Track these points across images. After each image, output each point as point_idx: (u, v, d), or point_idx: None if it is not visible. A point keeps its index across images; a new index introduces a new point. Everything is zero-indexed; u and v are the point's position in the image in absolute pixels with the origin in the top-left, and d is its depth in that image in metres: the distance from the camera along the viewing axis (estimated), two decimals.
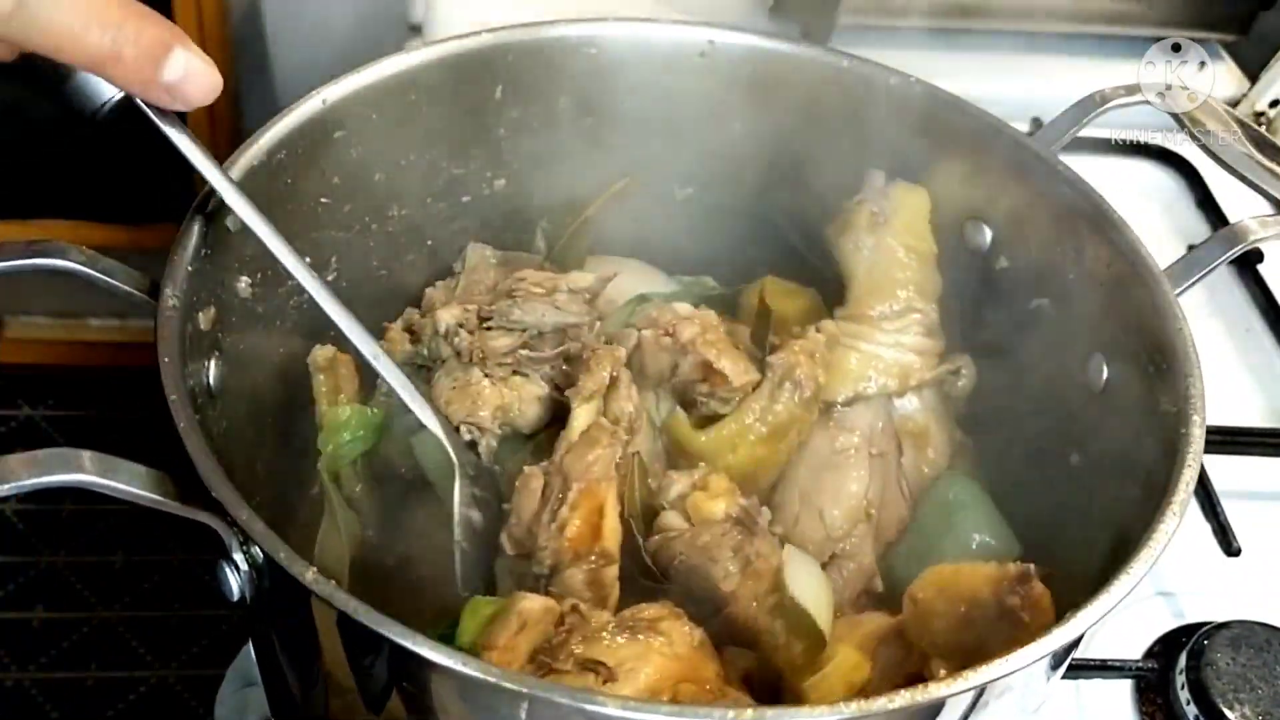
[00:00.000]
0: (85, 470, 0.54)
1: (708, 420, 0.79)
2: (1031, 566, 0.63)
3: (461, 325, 0.79)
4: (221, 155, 0.74)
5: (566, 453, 0.72)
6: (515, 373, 0.79)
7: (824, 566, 0.77)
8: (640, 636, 0.63)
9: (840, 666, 0.67)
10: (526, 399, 0.78)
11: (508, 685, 0.50)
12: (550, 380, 0.80)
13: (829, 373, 0.79)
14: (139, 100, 0.60)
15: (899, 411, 0.81)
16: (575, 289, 0.82)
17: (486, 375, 0.78)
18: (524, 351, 0.79)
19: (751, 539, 0.72)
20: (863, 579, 0.78)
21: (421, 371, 0.82)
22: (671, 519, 0.74)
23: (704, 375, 0.77)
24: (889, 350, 0.80)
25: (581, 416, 0.74)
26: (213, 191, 0.70)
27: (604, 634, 0.62)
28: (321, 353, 0.81)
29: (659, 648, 0.63)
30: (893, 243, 0.81)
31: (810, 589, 0.73)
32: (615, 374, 0.76)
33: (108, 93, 0.59)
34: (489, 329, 0.79)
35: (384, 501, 0.81)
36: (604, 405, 0.76)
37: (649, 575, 0.72)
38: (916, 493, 0.81)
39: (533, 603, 0.64)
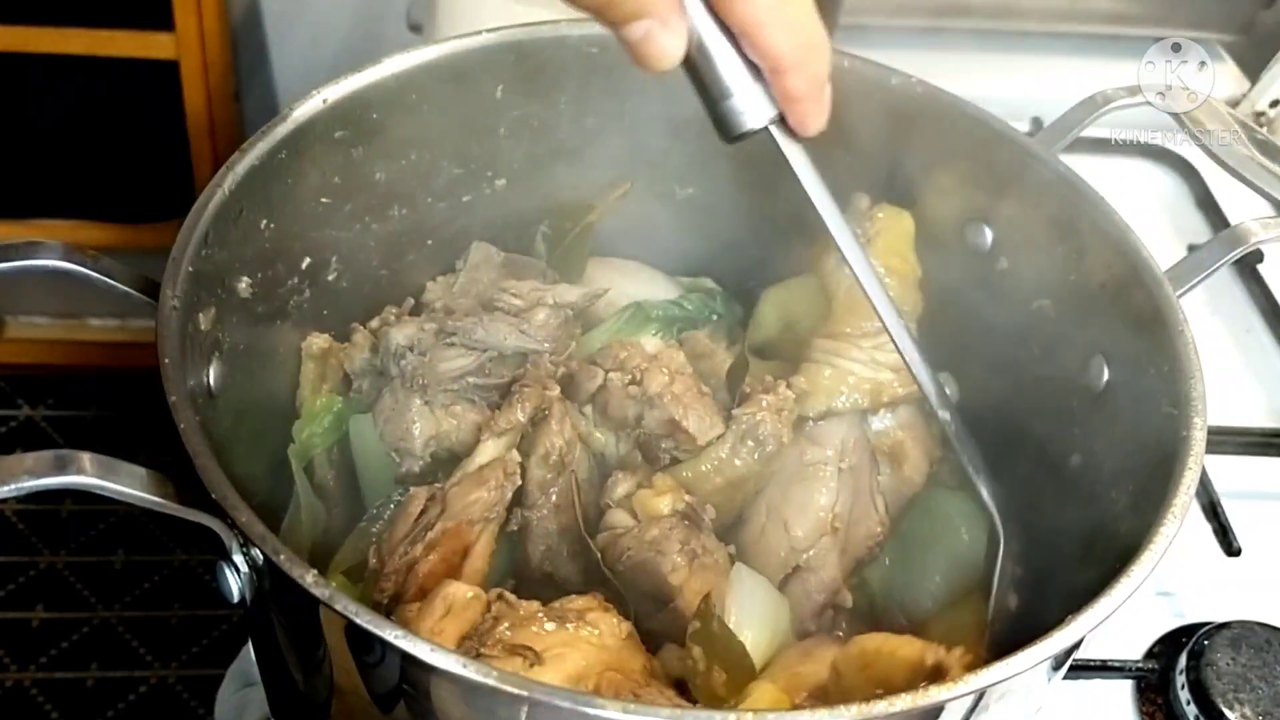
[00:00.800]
0: (85, 472, 0.54)
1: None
2: (952, 657, 0.63)
3: (411, 348, 0.79)
4: (222, 155, 0.74)
5: (455, 484, 0.72)
6: (462, 398, 0.79)
7: (787, 579, 0.77)
8: (569, 625, 0.64)
9: (756, 703, 0.66)
10: (466, 427, 0.78)
11: (507, 688, 0.50)
12: (496, 406, 0.79)
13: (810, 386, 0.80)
14: (771, 127, 0.62)
15: (874, 429, 0.81)
16: (560, 303, 0.81)
17: (425, 402, 0.78)
18: (472, 379, 0.79)
19: (698, 533, 0.73)
20: (827, 592, 0.77)
21: (382, 379, 0.81)
22: (618, 517, 0.74)
23: (669, 431, 0.77)
24: (863, 367, 0.80)
25: (486, 451, 0.74)
26: (215, 189, 0.70)
27: (532, 622, 0.63)
28: (316, 341, 0.81)
29: (587, 636, 0.63)
30: (874, 263, 0.81)
31: (757, 610, 0.73)
32: (546, 409, 0.76)
33: (748, 124, 0.61)
34: (451, 344, 0.79)
35: (352, 492, 0.81)
36: (533, 439, 0.76)
37: (598, 577, 0.72)
38: (895, 509, 0.81)
39: (459, 589, 0.64)
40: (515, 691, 0.50)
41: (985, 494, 0.77)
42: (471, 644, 0.62)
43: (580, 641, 0.63)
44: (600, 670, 0.62)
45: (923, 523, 0.81)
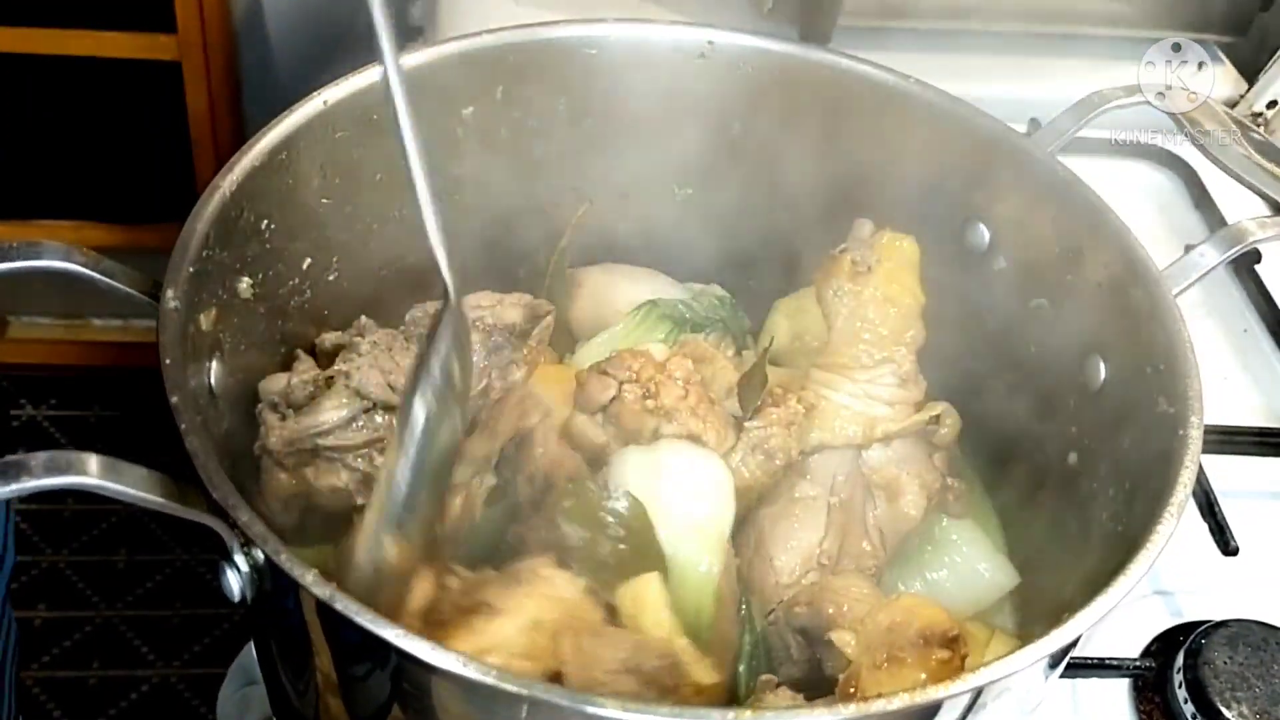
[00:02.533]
0: (88, 473, 0.54)
1: None
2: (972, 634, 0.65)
3: (275, 405, 0.74)
4: (224, 155, 0.74)
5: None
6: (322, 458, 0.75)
7: (771, 613, 0.75)
8: (523, 581, 0.65)
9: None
10: (322, 489, 0.74)
11: (507, 687, 0.51)
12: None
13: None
14: None
15: (868, 463, 0.80)
16: (498, 324, 0.79)
17: (278, 464, 0.74)
18: (326, 439, 0.74)
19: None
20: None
21: None
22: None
23: None
24: (858, 401, 0.79)
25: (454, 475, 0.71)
26: (215, 189, 0.70)
27: (486, 584, 0.65)
28: (329, 337, 0.80)
29: (543, 589, 0.64)
30: (874, 292, 0.80)
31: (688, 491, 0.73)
32: (527, 433, 0.74)
33: None
34: (336, 389, 0.75)
35: None
36: (517, 461, 0.74)
37: None
38: (892, 543, 0.80)
39: (422, 581, 0.65)
40: (514, 690, 0.50)
41: None
42: (433, 617, 0.63)
43: (536, 594, 0.64)
44: (556, 618, 0.63)
45: (928, 549, 0.81)
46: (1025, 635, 0.72)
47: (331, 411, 0.74)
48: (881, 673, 0.63)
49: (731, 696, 0.71)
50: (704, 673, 0.66)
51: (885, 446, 0.80)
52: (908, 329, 0.80)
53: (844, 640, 0.66)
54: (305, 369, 0.77)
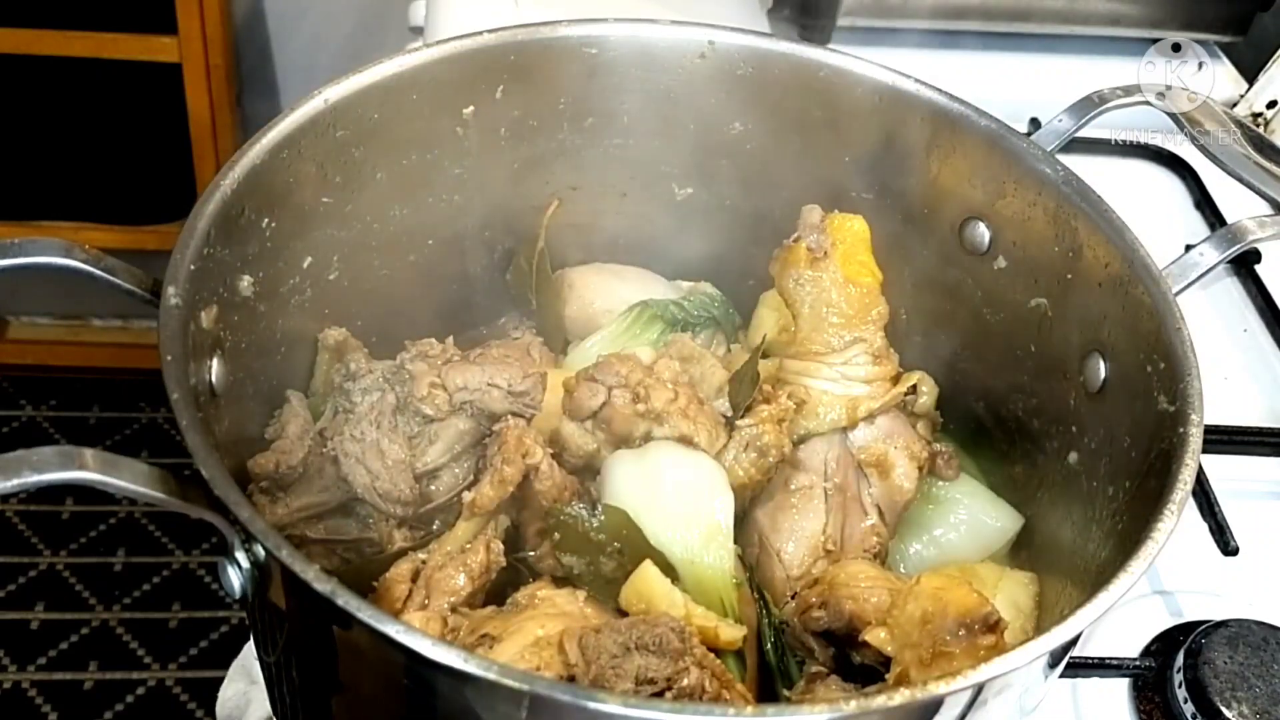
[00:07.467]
0: (88, 468, 0.54)
1: None
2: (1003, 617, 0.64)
3: (265, 489, 0.74)
4: (224, 156, 0.74)
5: (438, 569, 0.69)
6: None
7: (783, 605, 0.76)
8: (522, 610, 0.65)
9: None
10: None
11: (508, 683, 0.51)
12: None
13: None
14: None
15: (855, 443, 0.80)
16: (516, 391, 0.78)
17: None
18: (316, 530, 0.74)
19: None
20: None
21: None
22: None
23: None
24: (836, 384, 0.80)
25: (463, 531, 0.72)
26: (216, 188, 0.70)
27: (489, 619, 0.65)
28: (333, 334, 0.81)
29: (544, 609, 0.64)
30: (834, 275, 0.81)
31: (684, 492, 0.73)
32: (531, 471, 0.73)
33: None
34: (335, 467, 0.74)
35: None
36: (523, 497, 0.73)
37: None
38: (891, 517, 0.80)
39: (412, 617, 0.65)
40: (515, 685, 0.50)
41: None
42: None
43: (538, 615, 0.64)
44: (560, 631, 0.63)
45: (932, 512, 0.83)
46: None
47: (320, 494, 0.75)
48: (931, 669, 0.62)
49: (766, 684, 0.72)
50: (729, 630, 0.67)
51: (869, 425, 0.80)
52: (873, 306, 0.81)
53: (880, 640, 0.65)
54: (292, 421, 0.76)
